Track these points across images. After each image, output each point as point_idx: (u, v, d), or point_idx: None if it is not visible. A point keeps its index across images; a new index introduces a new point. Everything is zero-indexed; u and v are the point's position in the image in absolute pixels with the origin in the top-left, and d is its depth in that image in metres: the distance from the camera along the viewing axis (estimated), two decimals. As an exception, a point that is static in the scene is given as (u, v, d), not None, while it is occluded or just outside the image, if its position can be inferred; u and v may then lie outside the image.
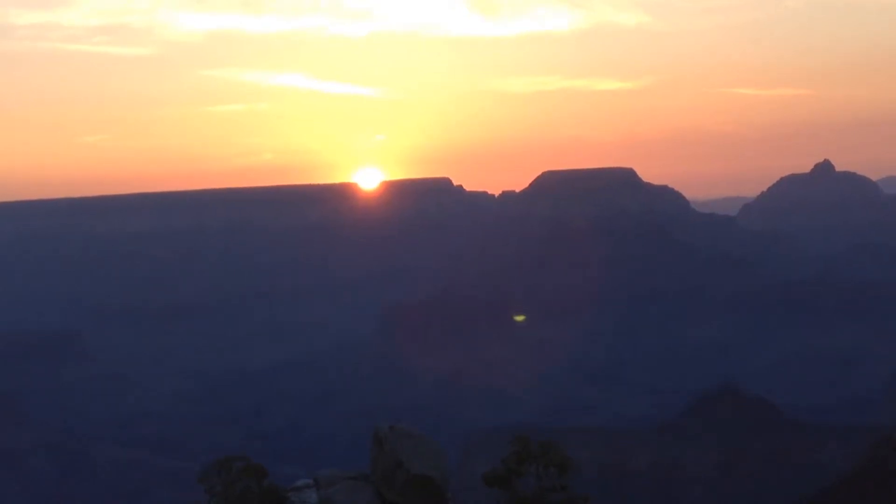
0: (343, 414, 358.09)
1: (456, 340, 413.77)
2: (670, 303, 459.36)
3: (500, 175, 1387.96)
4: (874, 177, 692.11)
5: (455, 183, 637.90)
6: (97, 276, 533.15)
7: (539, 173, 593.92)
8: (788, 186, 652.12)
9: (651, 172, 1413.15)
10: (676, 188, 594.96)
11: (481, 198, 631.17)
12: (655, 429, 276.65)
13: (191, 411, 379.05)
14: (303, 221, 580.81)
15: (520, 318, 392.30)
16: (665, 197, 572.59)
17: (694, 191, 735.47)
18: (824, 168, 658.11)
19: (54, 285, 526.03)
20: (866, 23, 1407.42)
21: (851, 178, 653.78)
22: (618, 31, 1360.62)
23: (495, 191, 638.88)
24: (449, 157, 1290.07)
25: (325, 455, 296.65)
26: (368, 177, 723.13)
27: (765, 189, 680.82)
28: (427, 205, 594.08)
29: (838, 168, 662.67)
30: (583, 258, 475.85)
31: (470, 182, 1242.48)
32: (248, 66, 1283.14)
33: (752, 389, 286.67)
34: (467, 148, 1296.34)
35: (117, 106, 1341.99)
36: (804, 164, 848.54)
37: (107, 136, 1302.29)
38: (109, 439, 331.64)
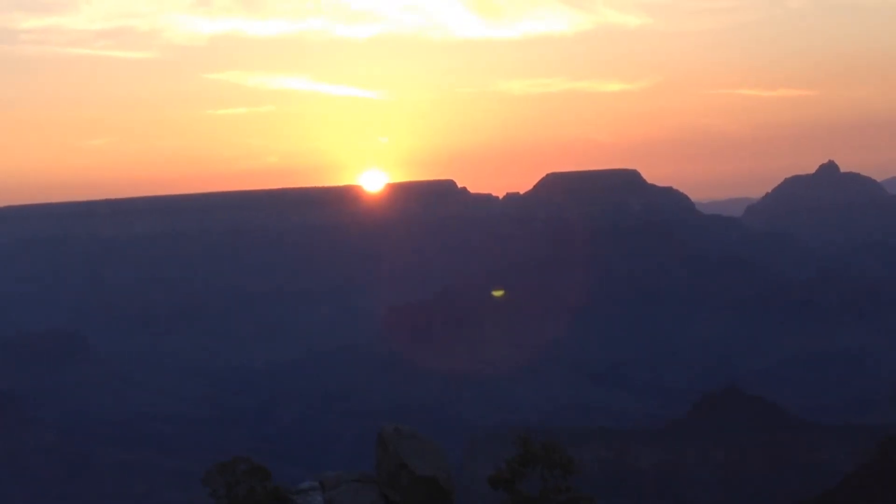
0: (347, 414, 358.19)
1: (460, 341, 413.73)
2: (675, 304, 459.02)
3: (504, 177, 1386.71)
4: (879, 177, 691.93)
5: (459, 185, 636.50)
6: (101, 279, 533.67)
7: (543, 175, 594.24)
8: (793, 187, 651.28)
9: (655, 174, 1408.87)
10: (681, 189, 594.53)
11: (485, 200, 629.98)
12: (659, 429, 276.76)
13: (195, 412, 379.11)
14: (307, 224, 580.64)
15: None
16: (669, 198, 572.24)
17: (698, 192, 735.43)
18: (829, 169, 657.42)
19: (58, 288, 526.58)
20: (869, 23, 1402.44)
21: (856, 179, 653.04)
22: (620, 32, 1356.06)
23: (499, 193, 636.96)
24: (453, 160, 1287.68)
25: (329, 455, 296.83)
26: (373, 179, 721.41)
27: (769, 190, 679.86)
28: (431, 207, 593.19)
29: (843, 169, 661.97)
30: (587, 260, 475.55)
31: (474, 184, 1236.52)
32: (252, 69, 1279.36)
33: (756, 389, 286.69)
34: (471, 150, 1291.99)
35: (121, 110, 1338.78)
36: (809, 165, 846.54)
37: (111, 139, 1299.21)
38: (113, 441, 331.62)
